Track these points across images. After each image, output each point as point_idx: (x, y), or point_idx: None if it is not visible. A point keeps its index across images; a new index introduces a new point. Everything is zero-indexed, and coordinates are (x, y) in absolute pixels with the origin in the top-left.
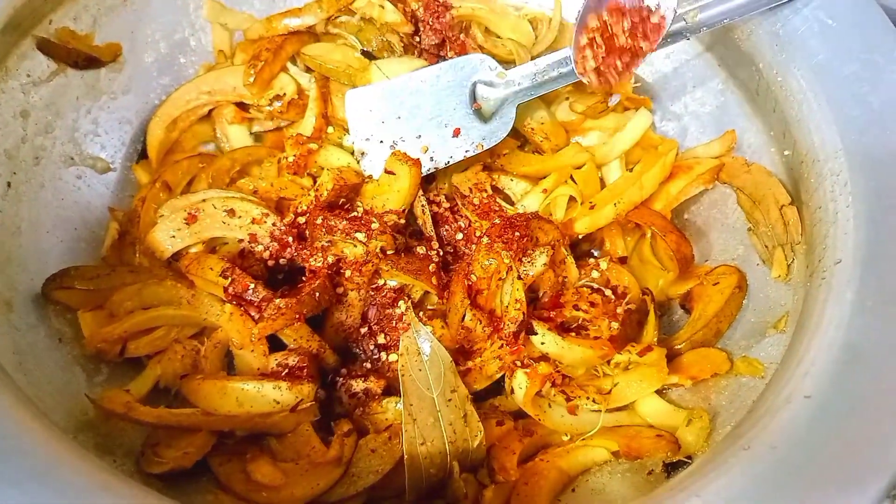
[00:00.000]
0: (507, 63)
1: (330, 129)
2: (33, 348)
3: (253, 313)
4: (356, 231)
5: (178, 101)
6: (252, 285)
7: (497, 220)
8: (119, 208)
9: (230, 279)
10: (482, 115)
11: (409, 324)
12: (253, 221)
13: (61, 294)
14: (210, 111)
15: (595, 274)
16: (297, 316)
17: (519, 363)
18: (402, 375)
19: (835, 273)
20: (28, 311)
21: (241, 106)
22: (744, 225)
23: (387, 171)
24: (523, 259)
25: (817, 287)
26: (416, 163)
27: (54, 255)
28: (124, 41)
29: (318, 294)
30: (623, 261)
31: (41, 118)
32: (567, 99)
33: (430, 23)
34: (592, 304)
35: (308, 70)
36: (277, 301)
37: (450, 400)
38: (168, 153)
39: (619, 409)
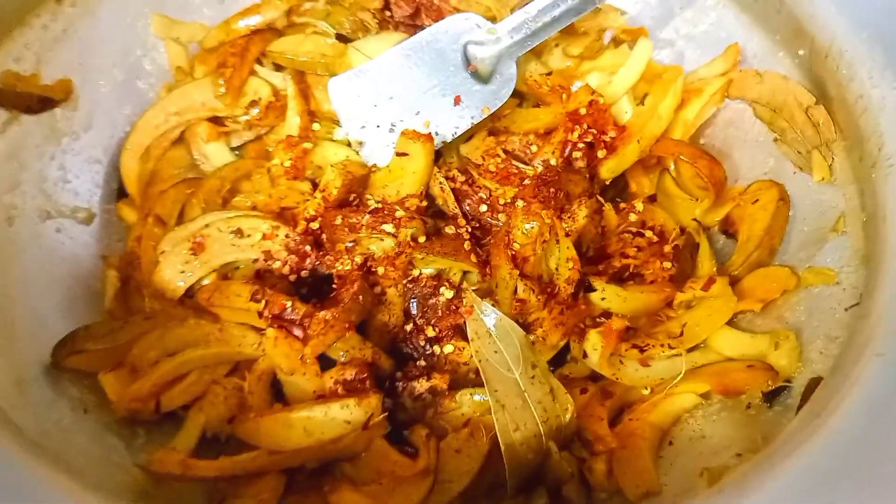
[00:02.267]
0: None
1: (316, 126)
2: (59, 426)
3: (297, 333)
4: (382, 223)
5: (147, 129)
6: (289, 303)
7: (527, 182)
8: (111, 254)
9: (263, 301)
10: (480, 77)
11: (457, 307)
12: (264, 237)
13: (74, 359)
14: (182, 133)
15: (632, 217)
16: (347, 326)
17: (582, 325)
18: (480, 361)
19: None
20: (42, 386)
21: (215, 121)
22: (768, 137)
23: (398, 154)
24: (562, 216)
25: (885, 177)
26: (429, 137)
27: (53, 320)
28: (74, 75)
29: (360, 297)
30: (652, 199)
31: (4, 174)
32: (556, 45)
33: None
34: (639, 249)
35: (278, 68)
36: (322, 314)
37: (533, 377)
38: (147, 186)
39: (690, 349)
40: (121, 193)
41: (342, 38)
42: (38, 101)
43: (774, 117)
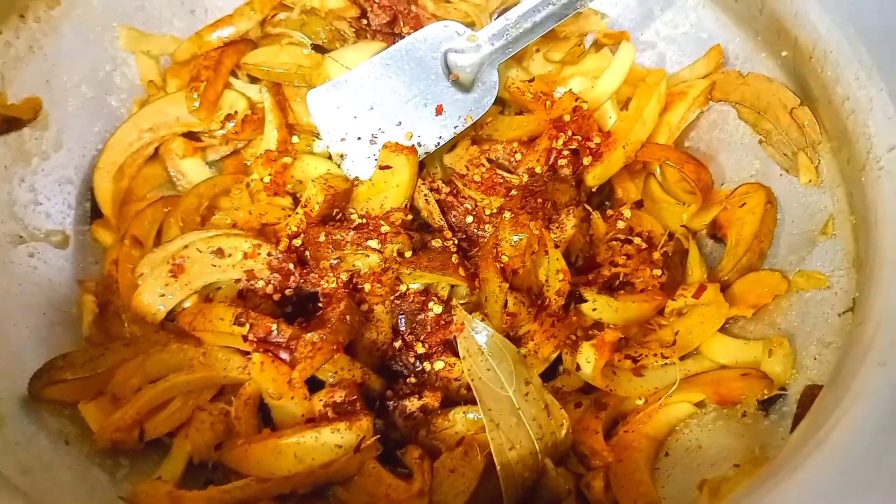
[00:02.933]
0: (467, 27)
1: (295, 139)
2: (40, 460)
3: (284, 356)
4: (367, 239)
5: (120, 146)
6: (274, 325)
7: (513, 192)
8: (87, 278)
9: (247, 324)
10: (462, 85)
11: (448, 324)
12: (245, 256)
13: (53, 390)
14: (156, 149)
15: (620, 224)
16: (335, 347)
17: (573, 336)
18: (472, 380)
19: (893, 160)
20: (20, 420)
21: (190, 136)
22: (753, 139)
23: (381, 168)
24: (550, 226)
25: (875, 180)
26: (412, 150)
27: (29, 350)
28: (42, 93)
29: (348, 317)
30: (639, 205)
31: None
32: (537, 51)
33: (377, 0)
34: (628, 257)
35: (254, 80)
36: (309, 336)
37: (527, 394)
38: (122, 205)
39: (683, 357)
40: (94, 214)
41: (318, 49)
42: (4, 122)
43: (759, 119)
